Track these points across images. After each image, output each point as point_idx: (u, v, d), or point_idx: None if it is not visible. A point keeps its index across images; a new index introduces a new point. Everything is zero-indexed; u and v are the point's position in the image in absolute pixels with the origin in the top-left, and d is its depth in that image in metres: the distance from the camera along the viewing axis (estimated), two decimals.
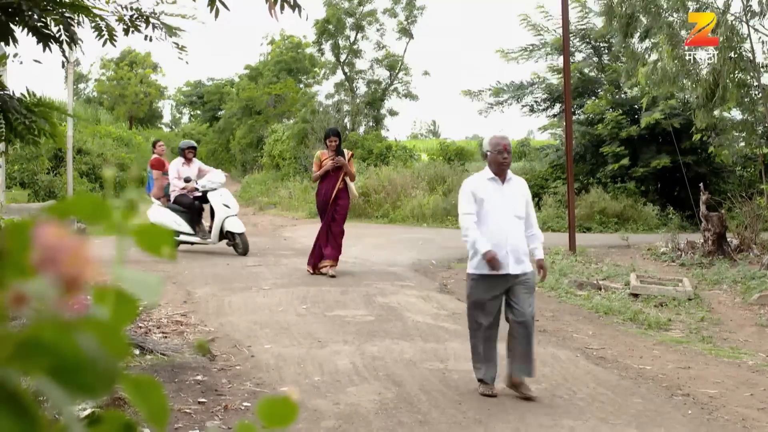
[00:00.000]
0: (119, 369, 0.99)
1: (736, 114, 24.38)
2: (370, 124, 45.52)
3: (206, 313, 12.32)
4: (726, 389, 9.06)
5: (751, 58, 20.92)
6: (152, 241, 1.08)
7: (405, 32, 44.97)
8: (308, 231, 25.26)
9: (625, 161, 30.58)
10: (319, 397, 8.19)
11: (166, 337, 10.59)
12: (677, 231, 23.95)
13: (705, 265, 18.23)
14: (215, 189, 18.70)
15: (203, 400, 7.86)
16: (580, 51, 35.84)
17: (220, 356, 9.72)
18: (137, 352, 9.33)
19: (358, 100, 44.87)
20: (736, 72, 21.11)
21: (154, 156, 20.66)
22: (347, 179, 15.75)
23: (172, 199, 19.12)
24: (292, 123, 47.16)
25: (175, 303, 13.00)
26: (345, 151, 15.95)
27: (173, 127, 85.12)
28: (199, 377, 8.65)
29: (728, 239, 19.34)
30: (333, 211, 15.72)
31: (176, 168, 19.20)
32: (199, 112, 79.82)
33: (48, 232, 0.99)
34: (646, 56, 23.20)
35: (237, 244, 18.62)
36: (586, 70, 35.54)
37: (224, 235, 18.72)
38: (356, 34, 45.43)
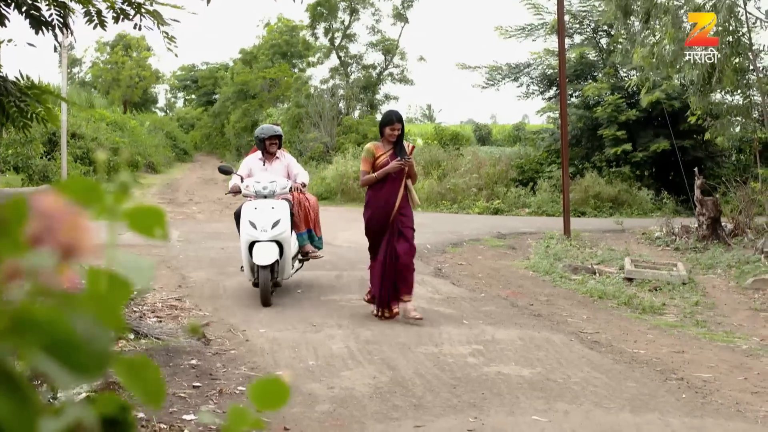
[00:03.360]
0: (113, 349, 0.99)
1: (729, 98, 24.37)
2: (365, 108, 45.50)
3: (201, 298, 12.33)
4: (720, 373, 9.07)
5: (748, 42, 20.90)
6: (145, 223, 1.08)
7: (400, 16, 44.92)
8: None
9: (627, 146, 30.60)
10: (314, 381, 8.20)
11: (160, 321, 10.59)
12: (672, 215, 24.01)
13: (699, 249, 18.25)
14: (263, 195, 12.13)
15: (198, 384, 7.86)
16: (580, 33, 35.77)
17: (215, 340, 9.72)
18: (132, 336, 9.34)
19: (352, 85, 44.82)
20: (734, 57, 21.09)
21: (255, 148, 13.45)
22: (409, 183, 11.35)
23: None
24: (287, 107, 47.11)
25: (169, 287, 13.01)
26: (405, 143, 11.44)
27: (168, 111, 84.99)
28: (193, 361, 8.65)
29: (723, 224, 19.36)
30: (396, 227, 11.18)
31: (248, 167, 12.79)
32: (193, 96, 79.71)
33: (45, 202, 0.99)
34: (645, 39, 23.16)
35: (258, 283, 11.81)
36: (585, 53, 35.51)
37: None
38: (350, 18, 45.36)
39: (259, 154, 12.76)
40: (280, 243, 11.69)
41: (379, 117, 45.09)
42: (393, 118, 11.24)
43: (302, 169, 12.82)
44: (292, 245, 12.15)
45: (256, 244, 11.57)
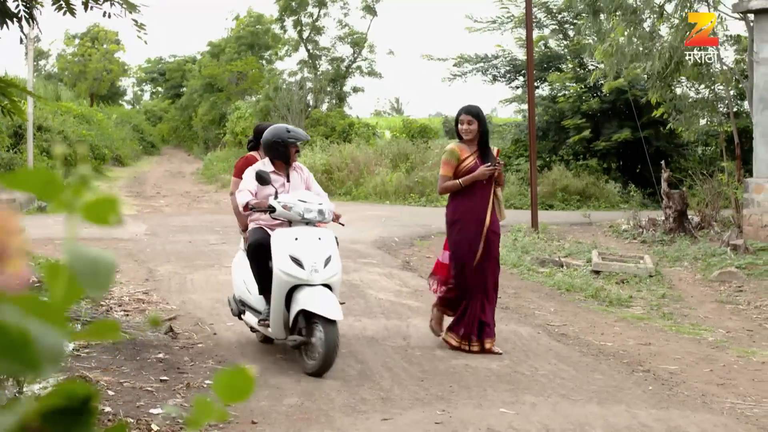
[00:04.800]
0: (62, 346, 0.98)
1: (694, 93, 24.55)
2: (333, 101, 45.46)
3: (168, 291, 12.29)
4: (686, 365, 9.13)
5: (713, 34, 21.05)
6: (99, 213, 1.07)
7: (369, 9, 44.86)
8: None
9: (586, 133, 30.72)
10: (282, 374, 8.18)
11: (127, 315, 10.54)
12: (639, 208, 24.10)
13: (666, 242, 18.35)
14: (306, 221, 8.66)
15: (165, 378, 7.84)
16: (546, 26, 35.85)
17: (182, 334, 9.69)
18: None
19: (321, 77, 44.77)
20: (694, 49, 21.24)
21: (250, 154, 9.94)
22: (499, 192, 9.53)
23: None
24: (255, 100, 47.00)
25: (136, 281, 12.95)
26: (491, 146, 9.64)
27: (135, 104, 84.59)
28: (161, 355, 8.62)
29: (689, 217, 19.48)
30: (490, 246, 9.34)
31: (250, 174, 8.85)
32: (161, 89, 79.35)
33: None
34: (607, 35, 23.31)
35: (311, 343, 8.20)
36: (551, 44, 35.62)
37: (296, 322, 8.34)
38: (319, 11, 45.29)
39: (264, 164, 9.04)
40: (331, 288, 8.43)
41: (347, 110, 45.13)
42: (461, 111, 9.48)
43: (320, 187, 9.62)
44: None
45: (303, 290, 8.25)
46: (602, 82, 27.36)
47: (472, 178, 9.14)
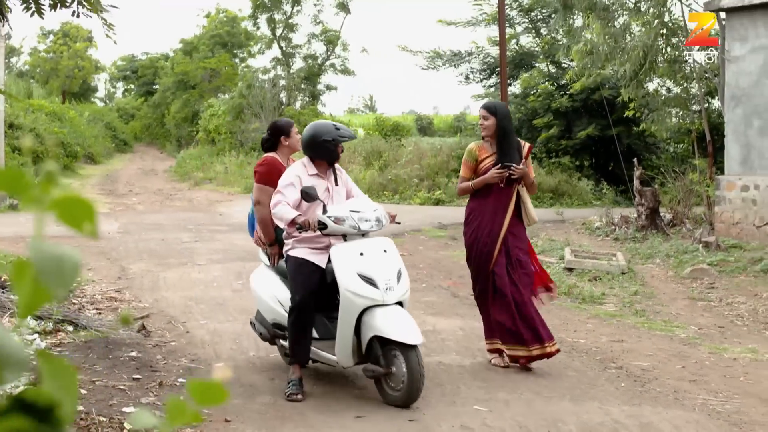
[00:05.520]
0: (23, 352, 0.97)
1: (665, 91, 24.65)
2: (307, 99, 45.40)
3: (141, 289, 12.24)
4: (658, 362, 9.17)
5: (685, 33, 21.16)
6: (74, 215, 1.05)
7: (342, 7, 44.84)
8: (243, 207, 25.12)
9: (554, 131, 30.82)
10: (255, 372, 8.18)
11: (100, 313, 10.50)
12: (611, 206, 24.21)
13: (638, 239, 18.41)
14: (362, 233, 7.69)
15: (138, 376, 7.81)
16: (519, 24, 35.95)
17: (155, 332, 9.66)
18: (71, 328, 9.24)
19: (294, 75, 44.70)
20: (668, 47, 21.36)
21: (269, 155, 8.57)
22: (523, 193, 8.95)
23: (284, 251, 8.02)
24: (229, 98, 46.88)
25: (109, 279, 12.90)
26: (521, 142, 9.02)
27: (107, 101, 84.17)
28: (133, 353, 8.58)
29: (661, 214, 19.55)
30: (506, 252, 8.75)
31: (290, 182, 7.75)
32: (133, 86, 78.97)
33: None
34: (583, 34, 23.39)
35: (392, 373, 7.27)
36: (523, 43, 35.77)
37: (370, 348, 7.38)
38: (292, 8, 45.22)
39: (305, 165, 7.96)
40: (402, 305, 7.57)
41: (321, 108, 45.08)
42: (486, 109, 8.82)
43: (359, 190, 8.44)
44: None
45: (375, 312, 7.31)
46: (575, 80, 27.46)
47: (482, 181, 8.63)
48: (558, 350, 8.50)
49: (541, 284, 9.06)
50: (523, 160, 8.72)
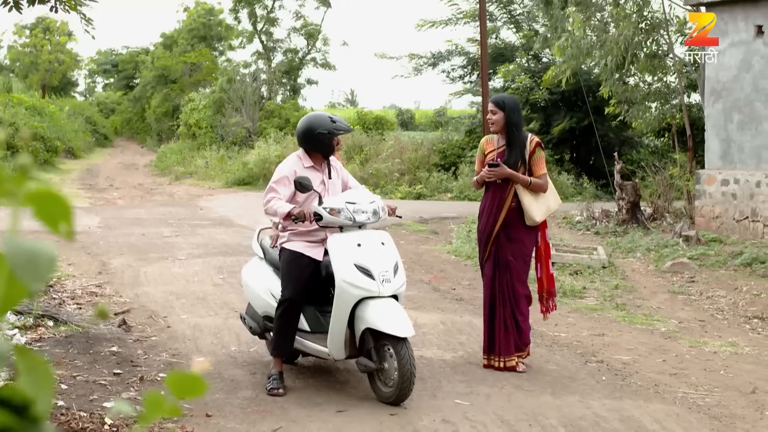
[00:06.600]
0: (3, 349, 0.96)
1: (645, 86, 24.69)
2: (288, 93, 45.37)
3: (121, 284, 12.20)
4: (639, 355, 9.19)
5: (665, 27, 21.21)
6: (50, 212, 1.04)
7: (323, 1, 44.82)
8: (224, 201, 25.14)
9: (533, 125, 30.86)
10: (236, 367, 8.16)
11: (80, 308, 10.46)
12: (592, 200, 24.26)
13: (619, 233, 18.45)
14: (358, 225, 7.56)
15: (119, 371, 7.78)
16: (498, 19, 35.97)
17: (136, 327, 9.63)
18: (51, 323, 9.21)
19: (275, 69, 44.64)
20: (649, 42, 21.42)
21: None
22: (521, 192, 8.59)
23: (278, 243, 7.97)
24: (209, 92, 46.81)
25: (89, 273, 12.86)
26: (529, 135, 8.75)
27: (87, 96, 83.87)
28: (114, 348, 8.56)
29: (642, 208, 19.60)
30: (498, 251, 8.53)
31: (283, 176, 7.71)
32: (113, 80, 78.75)
33: None
34: (565, 27, 23.41)
35: (384, 369, 7.17)
36: (502, 35, 35.83)
37: (363, 341, 7.28)
38: (273, 3, 45.16)
39: (300, 157, 7.92)
40: (397, 298, 7.46)
41: (302, 102, 45.06)
42: (490, 102, 8.64)
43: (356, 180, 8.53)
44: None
45: (369, 304, 7.21)
46: (559, 79, 27.52)
47: (476, 179, 8.63)
48: (514, 367, 8.22)
49: (544, 291, 8.92)
50: (532, 150, 8.54)
